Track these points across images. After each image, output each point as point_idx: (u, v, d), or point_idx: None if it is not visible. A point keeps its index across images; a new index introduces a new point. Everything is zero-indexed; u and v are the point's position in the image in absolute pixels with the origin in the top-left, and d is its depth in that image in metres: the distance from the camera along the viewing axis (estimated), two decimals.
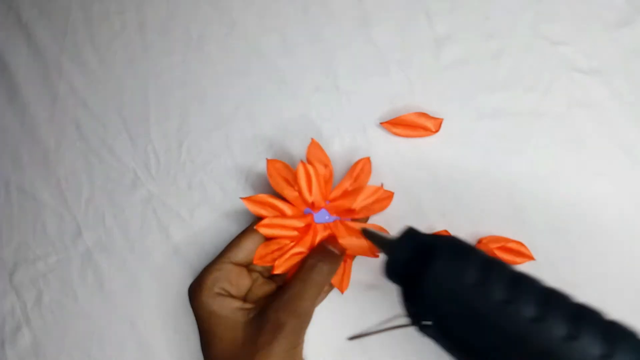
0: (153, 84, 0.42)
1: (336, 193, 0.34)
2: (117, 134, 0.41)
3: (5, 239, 0.42)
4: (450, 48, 0.38)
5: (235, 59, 0.41)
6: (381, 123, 0.37)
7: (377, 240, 0.30)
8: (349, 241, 0.33)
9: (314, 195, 0.33)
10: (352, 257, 0.35)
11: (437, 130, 0.37)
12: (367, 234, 0.31)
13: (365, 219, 0.36)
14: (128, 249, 0.40)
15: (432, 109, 0.37)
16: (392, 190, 0.37)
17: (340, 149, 0.38)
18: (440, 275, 0.22)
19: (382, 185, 0.34)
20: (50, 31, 0.44)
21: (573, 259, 0.35)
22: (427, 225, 0.36)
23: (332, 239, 0.33)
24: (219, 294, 0.31)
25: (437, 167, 0.37)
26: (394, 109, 0.38)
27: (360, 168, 0.35)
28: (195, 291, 0.31)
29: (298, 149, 0.38)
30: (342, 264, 0.34)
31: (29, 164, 0.42)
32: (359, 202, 0.33)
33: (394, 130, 0.37)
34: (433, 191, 0.37)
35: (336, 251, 0.33)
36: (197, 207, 0.39)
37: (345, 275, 0.34)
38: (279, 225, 0.33)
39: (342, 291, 0.34)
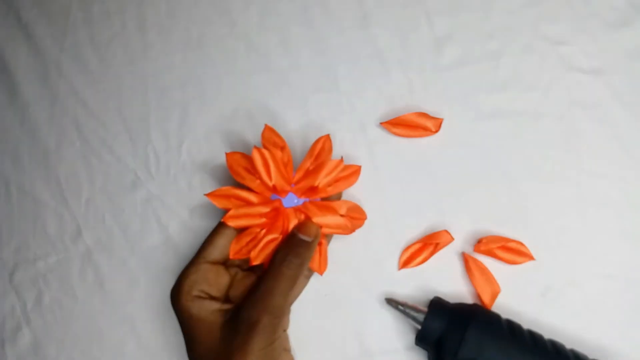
0: (153, 84, 0.42)
1: (299, 175, 0.33)
2: (117, 134, 0.41)
3: (5, 239, 0.42)
4: (450, 48, 0.38)
5: (235, 59, 0.41)
6: (381, 123, 0.37)
7: (405, 310, 0.34)
8: (324, 219, 0.33)
9: (274, 178, 0.32)
10: (328, 238, 0.35)
11: (437, 130, 0.37)
12: (393, 303, 0.34)
13: (338, 197, 0.36)
14: (128, 249, 0.40)
15: (432, 109, 0.37)
16: (391, 191, 0.37)
17: (340, 149, 0.38)
18: (480, 329, 0.31)
19: (342, 158, 0.33)
20: (50, 31, 0.44)
21: (573, 258, 0.35)
22: (427, 225, 0.36)
23: (302, 225, 0.32)
24: (198, 297, 0.31)
25: (437, 167, 0.37)
26: (394, 109, 0.38)
27: (321, 146, 0.34)
28: (175, 296, 0.31)
29: (298, 148, 0.38)
30: (317, 246, 0.33)
31: (29, 164, 0.42)
32: (321, 179, 0.32)
33: (394, 130, 0.37)
34: (433, 191, 0.37)
35: (307, 238, 0.31)
36: (197, 207, 0.39)
37: (322, 257, 0.33)
38: (246, 215, 0.32)
39: (320, 273, 0.33)
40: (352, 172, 0.34)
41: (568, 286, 0.35)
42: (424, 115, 0.37)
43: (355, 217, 0.34)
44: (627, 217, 0.35)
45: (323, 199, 0.34)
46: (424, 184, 0.37)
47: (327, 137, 0.34)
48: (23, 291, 0.41)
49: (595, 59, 0.37)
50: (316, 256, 0.33)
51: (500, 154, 0.36)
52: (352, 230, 0.33)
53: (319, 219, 0.32)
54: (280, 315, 0.30)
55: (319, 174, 0.32)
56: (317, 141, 0.34)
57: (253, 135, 0.39)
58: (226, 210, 0.32)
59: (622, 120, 0.36)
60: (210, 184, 0.39)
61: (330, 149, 0.34)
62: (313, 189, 0.33)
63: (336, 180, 0.33)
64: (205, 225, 0.39)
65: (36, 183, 0.42)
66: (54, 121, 0.42)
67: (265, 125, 0.34)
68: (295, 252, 0.31)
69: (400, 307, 0.34)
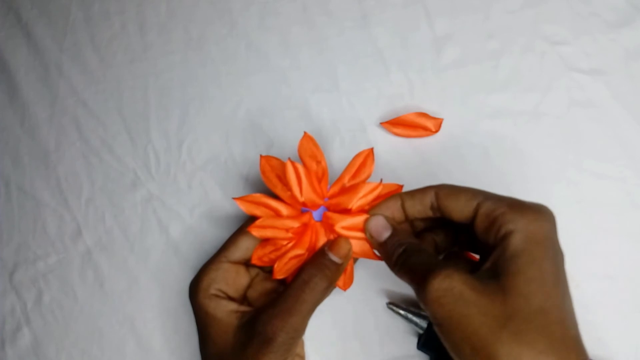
0: (153, 84, 0.42)
1: (334, 189, 0.32)
2: (117, 134, 0.41)
3: (5, 239, 0.42)
4: (450, 48, 0.38)
5: (235, 59, 0.41)
6: (381, 123, 0.37)
7: (407, 316, 0.33)
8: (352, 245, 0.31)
9: (304, 195, 0.30)
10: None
11: (437, 130, 0.37)
12: (395, 308, 0.34)
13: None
14: (128, 249, 0.40)
15: (432, 109, 0.37)
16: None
17: (341, 149, 0.38)
18: None
19: (381, 180, 0.31)
20: (50, 31, 0.44)
21: (574, 258, 0.35)
22: None
23: (334, 243, 0.30)
24: (215, 296, 0.30)
25: (437, 167, 0.37)
26: (394, 109, 0.38)
27: (361, 161, 0.32)
28: (192, 291, 0.31)
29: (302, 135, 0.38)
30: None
31: (29, 164, 0.42)
32: (355, 202, 0.30)
33: (394, 130, 0.37)
34: None
35: (338, 260, 0.30)
36: (197, 207, 0.39)
37: (348, 274, 0.32)
38: (272, 226, 0.30)
39: (344, 289, 0.32)
40: (393, 190, 0.32)
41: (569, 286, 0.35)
42: (424, 115, 0.37)
43: None
44: (627, 217, 0.35)
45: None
46: (424, 184, 0.37)
47: (370, 152, 0.32)
48: (23, 291, 0.41)
49: (595, 59, 0.37)
50: (341, 276, 0.31)
51: (500, 154, 0.36)
52: (379, 257, 0.31)
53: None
54: (297, 336, 0.29)
55: (353, 196, 0.30)
56: (358, 155, 0.32)
57: (253, 136, 0.39)
58: (251, 217, 0.31)
59: (622, 120, 0.36)
60: (211, 184, 0.39)
61: (372, 163, 0.32)
62: (347, 210, 0.31)
63: (374, 200, 0.31)
64: (205, 225, 0.39)
65: (36, 183, 0.42)
66: (54, 121, 0.42)
67: (305, 133, 0.32)
68: (323, 274, 0.29)
69: (402, 312, 0.34)
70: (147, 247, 0.40)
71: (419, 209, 0.30)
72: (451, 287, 0.24)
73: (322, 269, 0.29)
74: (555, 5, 0.38)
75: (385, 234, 0.29)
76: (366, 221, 0.30)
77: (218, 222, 0.39)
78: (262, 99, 0.40)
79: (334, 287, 0.32)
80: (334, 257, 0.30)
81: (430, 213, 0.30)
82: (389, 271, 0.36)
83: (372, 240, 0.30)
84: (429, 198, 0.29)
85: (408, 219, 0.31)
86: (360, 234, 0.31)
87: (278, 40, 0.40)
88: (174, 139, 0.40)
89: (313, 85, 0.39)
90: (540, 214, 0.26)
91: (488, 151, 0.37)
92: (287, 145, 0.39)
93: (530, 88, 0.37)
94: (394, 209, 0.30)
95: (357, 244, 0.31)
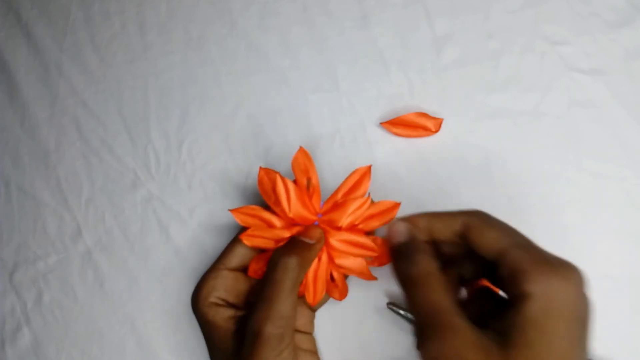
0: (153, 83, 0.42)
1: (327, 206, 0.32)
2: (117, 134, 0.41)
3: (5, 239, 0.42)
4: (450, 48, 0.38)
5: (235, 59, 0.41)
6: (381, 123, 0.37)
7: (407, 315, 0.33)
8: (345, 262, 0.31)
9: (292, 210, 0.30)
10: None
11: (437, 130, 0.37)
12: (395, 308, 0.33)
13: (372, 232, 0.33)
14: (128, 249, 0.40)
15: (432, 109, 0.37)
16: (391, 191, 0.37)
17: (341, 149, 0.38)
18: None
19: (369, 196, 0.31)
20: (50, 31, 0.44)
21: (574, 259, 0.35)
22: None
23: (305, 229, 0.31)
24: (215, 304, 0.31)
25: (437, 167, 0.37)
26: (394, 109, 0.38)
27: (357, 179, 0.32)
28: (194, 301, 0.31)
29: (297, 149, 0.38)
30: (338, 277, 0.32)
31: (29, 164, 0.42)
32: (345, 219, 0.30)
33: (394, 130, 0.37)
34: (433, 191, 0.37)
35: (309, 241, 0.29)
36: (197, 207, 0.39)
37: (341, 286, 0.32)
38: (262, 236, 0.31)
39: (340, 299, 0.32)
40: (387, 209, 0.31)
41: None
42: (424, 115, 0.37)
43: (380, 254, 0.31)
44: (627, 217, 0.35)
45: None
46: (424, 184, 0.37)
47: (367, 170, 0.32)
48: (23, 291, 0.41)
49: (595, 59, 0.37)
50: (335, 289, 0.32)
51: (500, 154, 0.36)
52: (373, 278, 0.31)
53: (340, 261, 0.31)
54: (285, 324, 0.28)
55: (343, 214, 0.30)
56: (355, 172, 0.32)
57: (253, 136, 0.39)
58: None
59: (622, 120, 0.36)
60: (211, 184, 0.39)
61: (368, 181, 0.32)
62: (338, 229, 0.31)
63: (368, 218, 0.31)
64: (205, 226, 0.39)
65: (36, 183, 0.42)
66: (54, 121, 0.42)
67: (300, 147, 0.32)
68: (291, 251, 0.29)
69: (402, 312, 0.34)
70: (147, 247, 0.40)
71: (446, 233, 0.28)
72: (452, 353, 0.23)
73: (290, 247, 0.29)
74: (555, 5, 0.38)
75: (402, 238, 0.28)
76: (390, 223, 0.29)
77: (218, 222, 0.39)
78: (262, 99, 0.40)
79: (309, 264, 0.31)
80: (305, 239, 0.30)
81: (457, 240, 0.28)
82: (389, 271, 0.36)
83: (389, 242, 0.29)
84: (458, 225, 0.28)
85: (435, 242, 0.29)
86: (356, 251, 0.31)
87: (278, 40, 0.40)
88: (174, 139, 0.40)
89: (313, 85, 0.39)
90: (564, 278, 0.24)
91: (488, 151, 0.37)
92: (287, 145, 0.39)
93: (530, 88, 0.37)
94: (419, 226, 0.29)
95: (353, 262, 0.31)
